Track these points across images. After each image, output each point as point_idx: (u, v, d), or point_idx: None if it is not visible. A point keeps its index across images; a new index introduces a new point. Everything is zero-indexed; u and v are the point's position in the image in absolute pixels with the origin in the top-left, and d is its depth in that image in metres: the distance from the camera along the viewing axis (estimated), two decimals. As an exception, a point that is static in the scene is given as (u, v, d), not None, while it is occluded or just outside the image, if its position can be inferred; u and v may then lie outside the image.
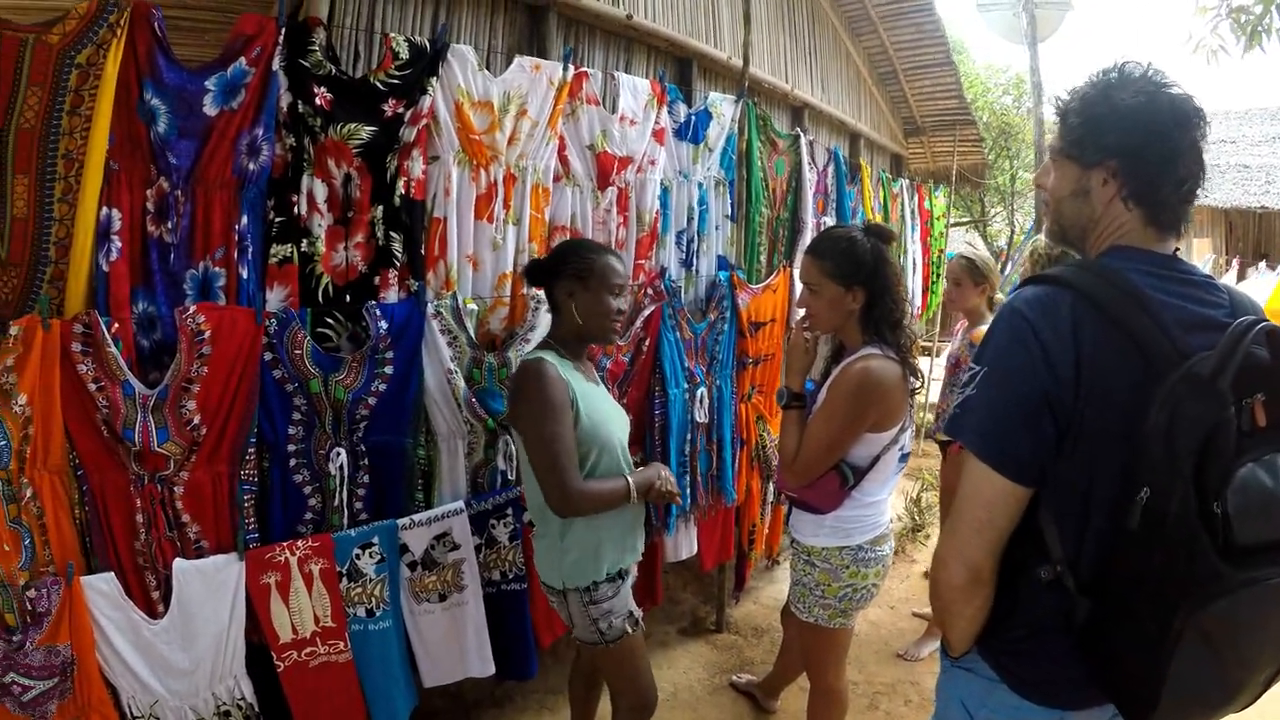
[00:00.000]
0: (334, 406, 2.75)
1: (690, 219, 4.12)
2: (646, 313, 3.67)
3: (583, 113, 3.42)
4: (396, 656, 2.91)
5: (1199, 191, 1.53)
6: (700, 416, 3.99)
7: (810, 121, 6.05)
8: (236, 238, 2.56)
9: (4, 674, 2.31)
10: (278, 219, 2.66)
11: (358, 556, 2.77)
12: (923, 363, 2.65)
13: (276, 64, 2.57)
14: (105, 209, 2.39)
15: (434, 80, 2.87)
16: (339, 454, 2.77)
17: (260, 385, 2.62)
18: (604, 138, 3.50)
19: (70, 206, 2.37)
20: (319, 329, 2.77)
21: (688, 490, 3.96)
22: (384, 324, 2.79)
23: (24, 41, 2.31)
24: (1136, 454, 1.36)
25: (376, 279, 2.85)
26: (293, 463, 2.74)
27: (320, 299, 2.76)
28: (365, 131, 2.75)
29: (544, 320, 3.17)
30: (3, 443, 2.27)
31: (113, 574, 2.43)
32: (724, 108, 4.25)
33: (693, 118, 4.06)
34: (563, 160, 3.39)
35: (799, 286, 2.84)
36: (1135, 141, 1.49)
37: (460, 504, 3.00)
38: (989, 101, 18.38)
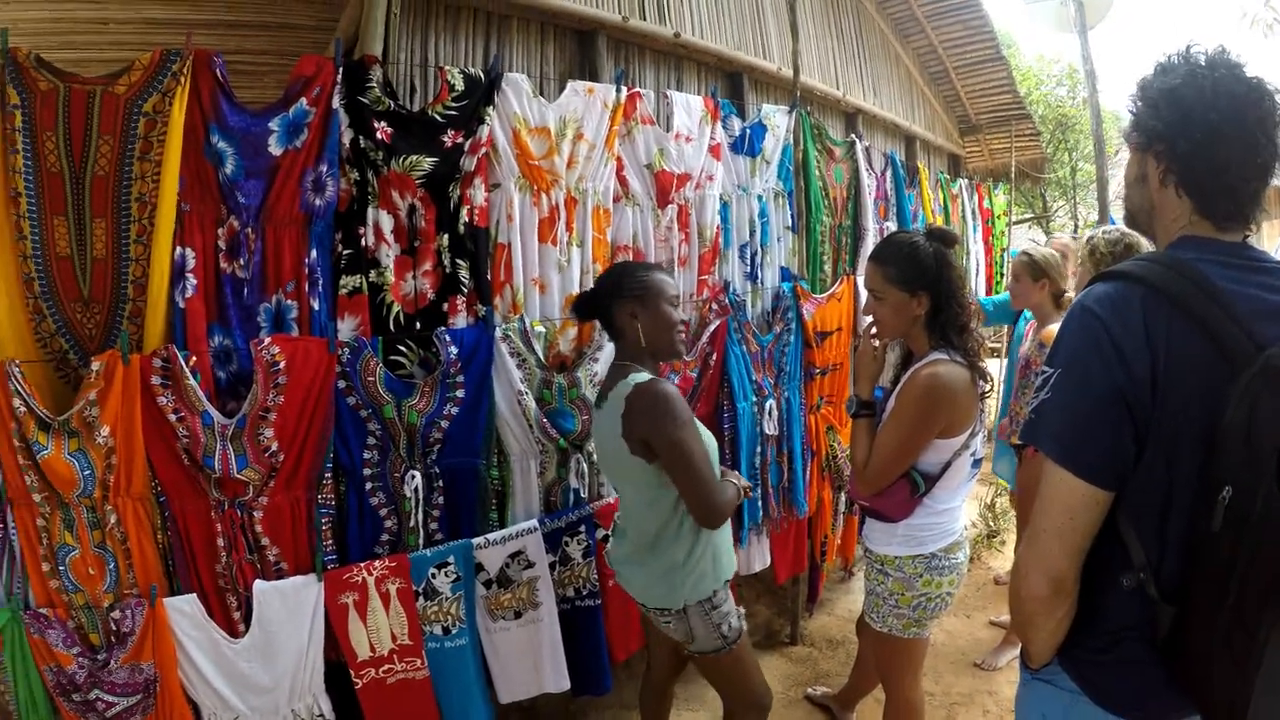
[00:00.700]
0: (408, 431, 2.81)
1: (752, 232, 4.13)
2: (712, 328, 3.68)
3: (638, 133, 3.46)
4: (472, 673, 2.95)
5: (1257, 182, 1.47)
6: (770, 429, 3.98)
7: (865, 127, 6.03)
8: (307, 271, 2.65)
9: (89, 690, 2.44)
10: (346, 251, 2.74)
11: (434, 576, 2.82)
12: (991, 365, 2.64)
13: (336, 102, 2.65)
14: (179, 248, 2.50)
15: (490, 109, 2.93)
16: (414, 476, 2.83)
17: (335, 412, 2.70)
18: (661, 156, 3.53)
19: (145, 247, 2.49)
20: (391, 356, 2.84)
21: (759, 503, 3.95)
22: (454, 349, 2.84)
23: (91, 93, 2.43)
24: (1216, 452, 1.33)
25: (445, 305, 2.91)
26: (369, 486, 2.80)
27: (391, 327, 2.83)
28: (427, 163, 2.82)
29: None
30: (87, 472, 2.38)
31: (195, 595, 2.53)
32: (778, 119, 4.25)
33: (748, 131, 4.07)
34: (621, 181, 3.43)
35: (864, 294, 2.82)
36: (1175, 125, 1.45)
37: (534, 522, 3.03)
38: (1043, 94, 18.04)
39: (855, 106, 5.85)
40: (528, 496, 3.13)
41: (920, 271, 2.61)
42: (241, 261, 2.59)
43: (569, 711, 3.70)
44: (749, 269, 4.13)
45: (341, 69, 2.66)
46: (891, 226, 5.56)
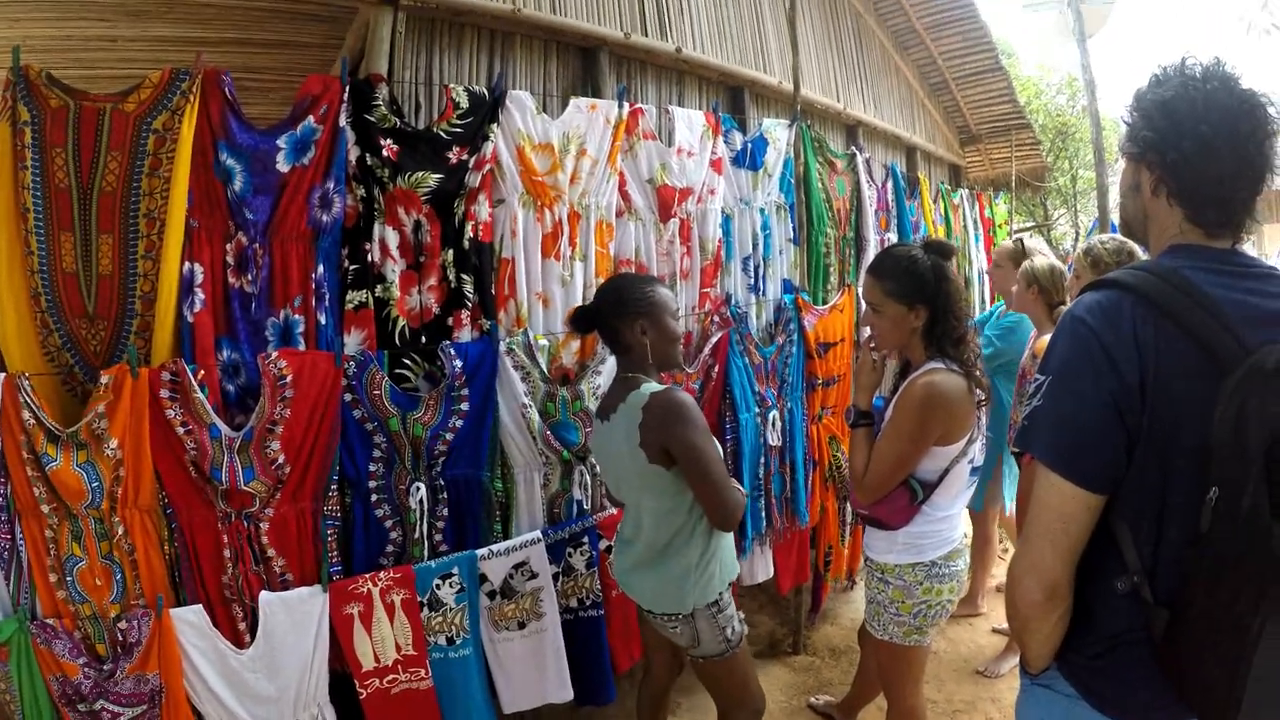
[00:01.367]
0: (413, 443, 2.84)
1: (755, 245, 4.16)
2: (714, 340, 3.71)
3: (640, 148, 3.49)
4: (477, 683, 2.97)
5: (1248, 191, 1.49)
6: (773, 440, 3.99)
7: (865, 139, 6.05)
8: (314, 286, 2.68)
9: (95, 700, 2.46)
10: (352, 267, 2.78)
11: (438, 587, 2.85)
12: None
13: (343, 120, 2.69)
14: (188, 263, 2.53)
15: (495, 126, 2.97)
16: (419, 488, 2.86)
17: (341, 425, 2.73)
18: (663, 170, 3.57)
19: (154, 262, 2.52)
20: (396, 369, 2.87)
21: (763, 514, 3.97)
22: (459, 363, 2.87)
23: (101, 111, 2.47)
24: (1206, 454, 1.34)
25: (450, 320, 2.95)
26: (374, 498, 2.83)
27: (397, 341, 2.86)
28: (432, 179, 2.85)
29: (615, 354, 3.23)
30: (95, 484, 2.41)
31: (201, 606, 2.55)
32: (779, 132, 4.28)
33: (749, 145, 4.10)
34: (624, 195, 3.46)
35: (865, 305, 2.85)
36: (1166, 136, 1.47)
37: (538, 534, 3.06)
38: (1043, 103, 18.06)
39: (856, 119, 5.88)
40: (531, 508, 3.16)
41: (918, 285, 2.63)
42: (249, 276, 2.62)
43: (572, 721, 3.72)
44: (752, 281, 4.16)
45: (348, 87, 2.69)
46: (893, 238, 5.59)
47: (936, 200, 6.69)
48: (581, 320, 2.62)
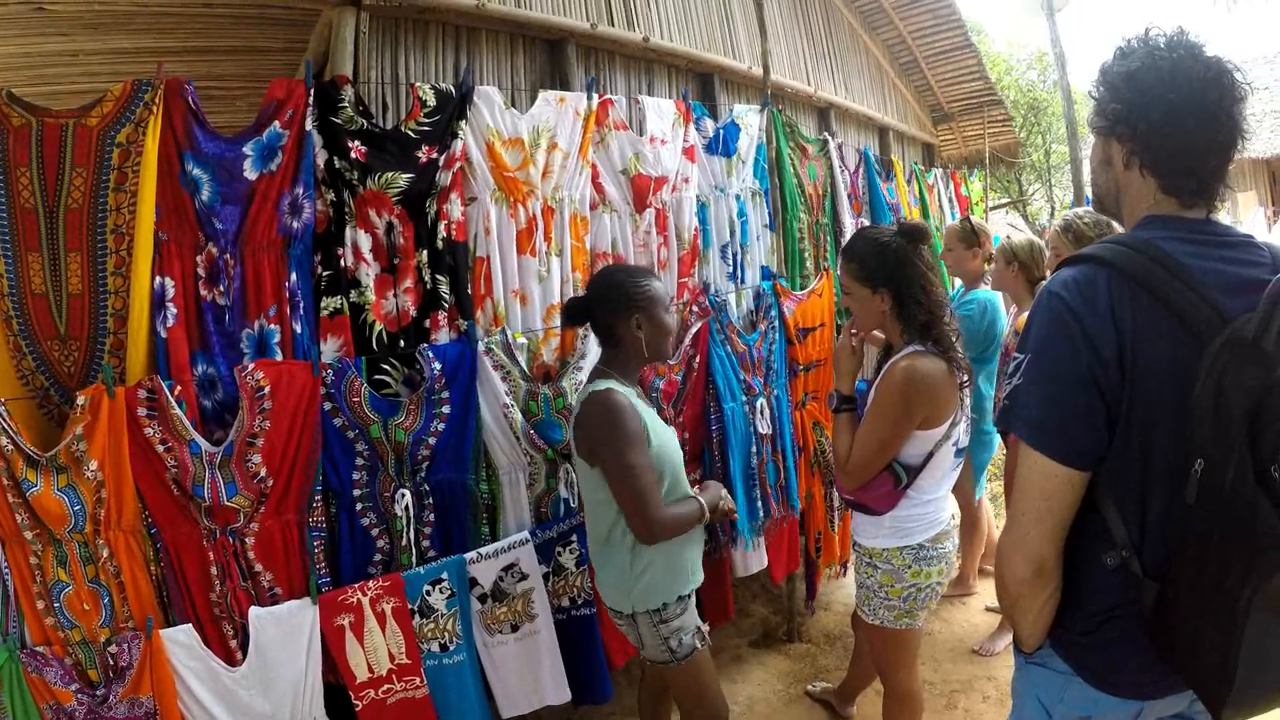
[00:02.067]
0: (395, 449, 2.81)
1: (732, 232, 4.14)
2: (694, 330, 3.69)
3: (612, 139, 3.47)
4: (472, 689, 2.95)
5: (1219, 158, 1.49)
6: (763, 428, 3.97)
7: (837, 120, 6.05)
8: (287, 294, 2.65)
9: (89, 727, 2.41)
10: (325, 273, 2.74)
11: (428, 593, 2.82)
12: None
13: (309, 124, 2.65)
14: (158, 278, 2.50)
15: (463, 123, 2.94)
16: (403, 495, 2.83)
17: (322, 434, 2.70)
18: (637, 160, 3.54)
19: (124, 279, 2.48)
20: (375, 375, 2.84)
21: (758, 503, 3.95)
22: (437, 365, 2.84)
23: (64, 127, 2.43)
24: (1187, 426, 1.35)
25: (427, 322, 2.92)
26: (359, 507, 2.80)
27: (374, 346, 2.82)
28: (402, 179, 2.82)
29: (594, 348, 3.20)
30: (78, 507, 2.37)
31: (190, 625, 2.52)
32: (750, 118, 4.26)
33: (721, 131, 4.08)
34: (597, 188, 3.44)
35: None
36: (1135, 106, 1.47)
37: (525, 534, 3.03)
38: (1014, 79, 18.17)
39: (827, 101, 5.87)
40: (518, 509, 3.13)
41: (880, 268, 2.64)
42: (221, 288, 2.58)
43: (571, 720, 3.71)
44: (731, 269, 4.14)
45: (313, 90, 2.66)
46: (867, 223, 5.57)
47: (911, 181, 6.67)
48: (576, 313, 2.62)
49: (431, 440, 2.87)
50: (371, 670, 2.77)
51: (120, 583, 2.46)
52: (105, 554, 2.43)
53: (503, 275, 3.10)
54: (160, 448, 2.46)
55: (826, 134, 5.41)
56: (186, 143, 2.53)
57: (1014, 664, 1.76)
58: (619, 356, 2.58)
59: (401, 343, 2.88)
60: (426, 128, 2.87)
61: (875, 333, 2.86)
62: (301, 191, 2.64)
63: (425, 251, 2.89)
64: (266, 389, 2.56)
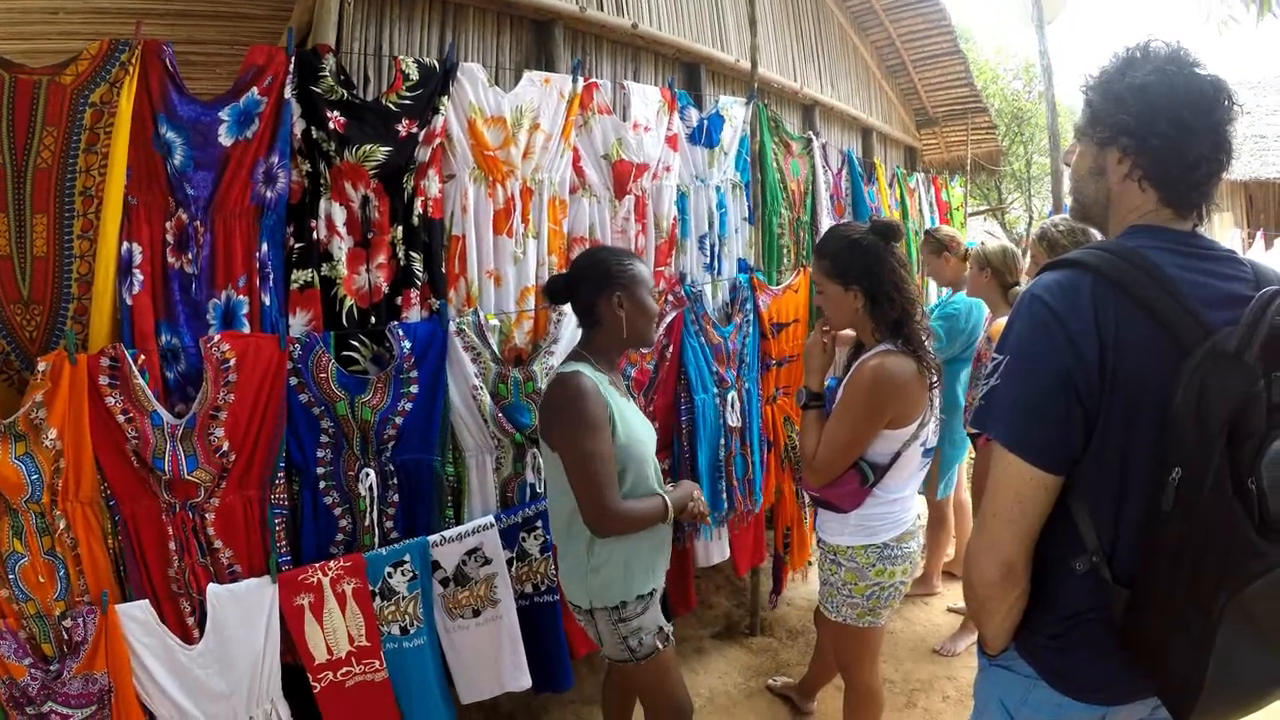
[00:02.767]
0: (361, 428, 2.77)
1: (711, 224, 4.12)
2: (669, 319, 3.67)
3: (595, 123, 3.43)
4: (432, 673, 2.92)
5: (1220, 176, 1.50)
6: (733, 421, 3.97)
7: (821, 119, 6.04)
8: (258, 265, 2.59)
9: (43, 703, 2.35)
10: (297, 244, 2.69)
11: (390, 575, 2.78)
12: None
13: (288, 92, 2.59)
14: (126, 243, 2.43)
15: (445, 99, 2.89)
16: (368, 474, 2.79)
17: (287, 410, 2.65)
18: (619, 146, 3.51)
19: (91, 243, 2.41)
20: (343, 352, 2.79)
21: (724, 496, 3.94)
22: (407, 344, 2.80)
23: (38, 84, 2.35)
24: (1166, 434, 1.35)
25: (399, 299, 2.87)
26: (322, 485, 2.76)
27: (344, 322, 2.78)
28: (380, 153, 2.77)
29: (567, 332, 3.19)
30: (35, 476, 2.30)
31: (147, 601, 2.46)
32: (735, 110, 4.24)
33: (705, 122, 4.05)
34: (578, 171, 3.40)
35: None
36: (1145, 121, 1.46)
37: (490, 519, 3.00)
38: (1000, 88, 18.27)
39: (812, 99, 5.87)
40: (484, 492, 3.11)
41: (853, 265, 2.64)
42: (190, 256, 2.52)
43: (531, 709, 3.69)
44: (707, 260, 4.12)
45: (294, 58, 2.60)
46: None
47: (893, 184, 6.69)
48: (558, 290, 2.55)
49: (398, 419, 2.83)
50: (330, 652, 2.73)
51: (77, 555, 2.39)
52: (62, 525, 2.36)
53: (478, 255, 3.05)
54: (121, 418, 2.40)
55: (811, 133, 5.40)
56: (161, 105, 2.46)
57: (977, 666, 1.76)
58: (598, 338, 2.51)
59: (372, 319, 2.84)
60: (408, 101, 2.82)
61: (846, 332, 2.85)
62: (277, 160, 2.59)
63: (400, 227, 2.84)
64: (232, 361, 2.51)
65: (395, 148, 2.80)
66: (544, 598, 3.20)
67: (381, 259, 2.83)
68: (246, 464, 2.60)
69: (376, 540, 2.82)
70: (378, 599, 2.77)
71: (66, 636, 2.36)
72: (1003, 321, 3.54)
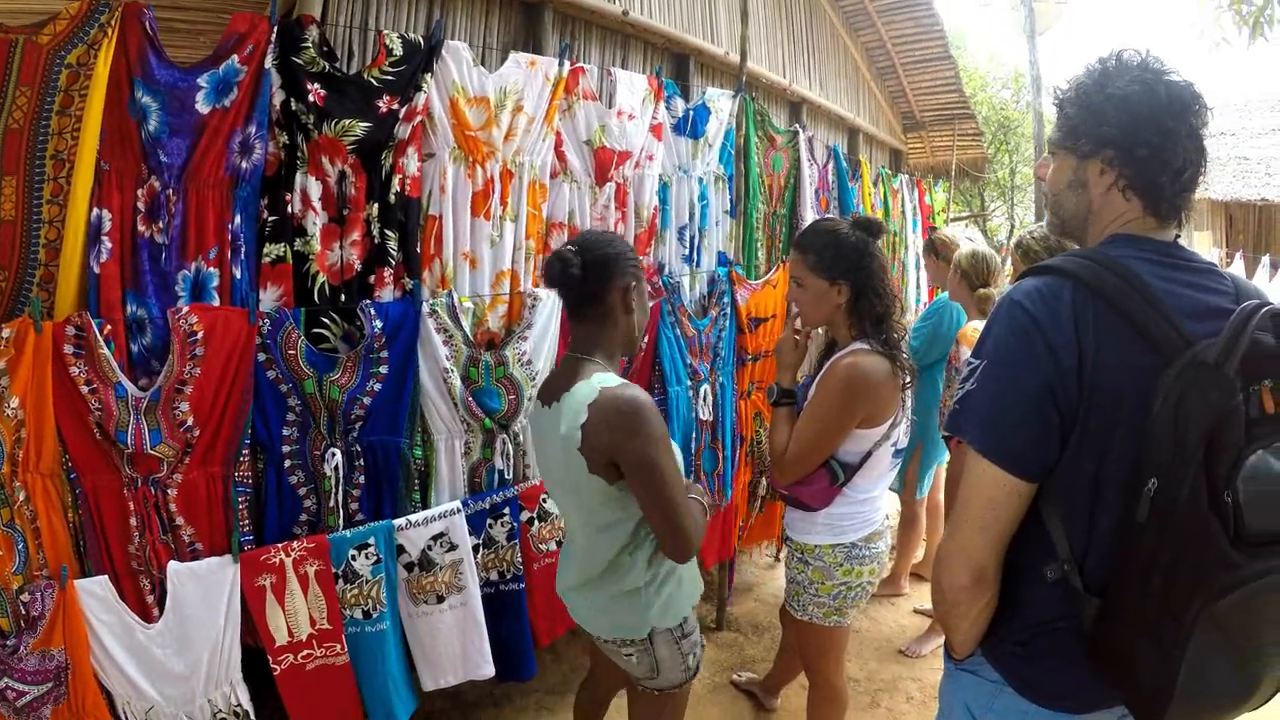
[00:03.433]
0: (329, 407, 2.73)
1: (691, 215, 4.10)
2: (644, 309, 3.63)
3: (579, 108, 3.39)
4: (394, 659, 2.89)
5: (1200, 180, 1.51)
6: (704, 414, 3.96)
7: (808, 117, 6.04)
8: (230, 237, 2.54)
9: (-1, 679, 2.30)
10: (271, 218, 2.64)
11: (354, 558, 2.74)
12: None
13: (269, 62, 2.54)
14: (96, 209, 2.36)
15: (429, 77, 2.85)
16: (334, 454, 2.75)
17: (254, 386, 2.60)
18: (602, 132, 3.47)
19: (60, 208, 2.35)
20: (314, 329, 2.75)
21: (697, 490, 3.92)
22: (378, 323, 2.77)
23: (14, 42, 2.29)
24: (1143, 444, 1.34)
25: (372, 277, 2.83)
26: (288, 464, 2.72)
27: (315, 298, 2.73)
28: (360, 128, 2.72)
29: (541, 318, 3.16)
30: (-5, 446, 2.24)
31: (106, 577, 2.40)
32: (722, 102, 4.22)
33: (691, 112, 4.03)
34: (560, 156, 3.37)
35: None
36: (1130, 131, 1.46)
37: (457, 504, 2.97)
38: (988, 96, 18.32)
39: (800, 96, 5.86)
40: (452, 477, 3.07)
41: (840, 260, 2.62)
42: (161, 225, 2.46)
43: (493, 696, 3.67)
44: (687, 252, 4.10)
45: (277, 27, 2.55)
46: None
47: (877, 184, 6.71)
48: (569, 268, 2.12)
49: (366, 400, 2.79)
50: (291, 634, 2.69)
51: (36, 528, 2.33)
52: (22, 498, 2.30)
53: (454, 236, 3.01)
54: (85, 389, 2.34)
55: (798, 126, 5.39)
56: (139, 69, 2.39)
57: (943, 669, 1.76)
58: (600, 338, 2.21)
59: (343, 297, 2.79)
60: (390, 77, 2.77)
61: (817, 330, 2.84)
62: (254, 131, 2.54)
63: (376, 205, 2.80)
64: (200, 334, 2.46)
65: (375, 123, 2.75)
66: (509, 585, 3.17)
67: (356, 236, 2.78)
68: (211, 440, 2.55)
69: (341, 522, 2.78)
70: (341, 581, 2.73)
71: (24, 611, 2.30)
72: (973, 325, 3.56)
